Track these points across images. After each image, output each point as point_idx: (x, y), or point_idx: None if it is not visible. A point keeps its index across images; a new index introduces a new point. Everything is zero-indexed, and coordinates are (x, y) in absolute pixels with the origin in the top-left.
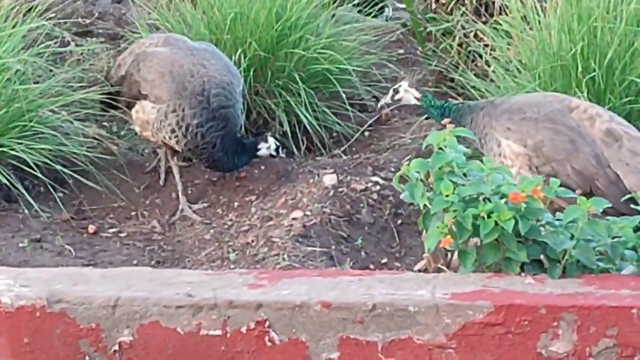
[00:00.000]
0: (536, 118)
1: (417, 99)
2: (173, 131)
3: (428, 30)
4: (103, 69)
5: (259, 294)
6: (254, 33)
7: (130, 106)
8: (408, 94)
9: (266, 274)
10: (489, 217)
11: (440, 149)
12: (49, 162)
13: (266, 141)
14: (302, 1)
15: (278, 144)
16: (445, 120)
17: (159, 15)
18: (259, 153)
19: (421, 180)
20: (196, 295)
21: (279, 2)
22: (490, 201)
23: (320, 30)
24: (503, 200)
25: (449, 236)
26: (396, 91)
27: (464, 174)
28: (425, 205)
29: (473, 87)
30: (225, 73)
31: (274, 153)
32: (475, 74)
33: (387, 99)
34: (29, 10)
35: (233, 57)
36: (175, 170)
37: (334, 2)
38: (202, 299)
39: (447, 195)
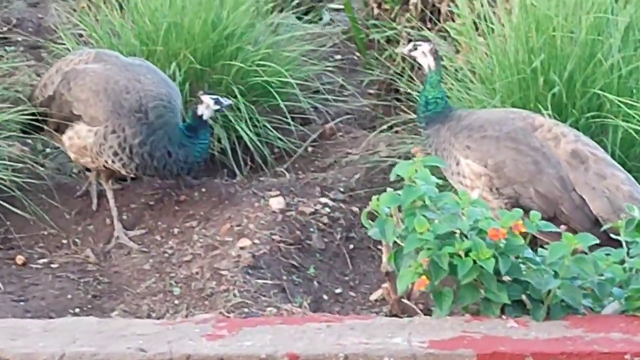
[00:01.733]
0: (497, 136)
1: (430, 68)
2: (116, 154)
3: (370, 37)
4: (25, 83)
5: (219, 346)
6: (189, 44)
7: (60, 129)
8: (425, 58)
9: (225, 322)
10: (466, 255)
11: (412, 181)
12: None
13: (201, 102)
14: (239, 10)
15: (215, 96)
16: (415, 149)
17: (85, 25)
18: (205, 117)
19: (391, 215)
20: (149, 350)
21: (214, 12)
22: (467, 238)
23: (258, 41)
24: (481, 237)
25: (423, 277)
26: (415, 47)
27: (438, 208)
28: (395, 242)
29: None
30: (162, 86)
31: (217, 107)
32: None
33: (405, 50)
34: None
35: (167, 70)
36: (109, 194)
37: (271, 12)
38: (157, 354)
39: (421, 233)
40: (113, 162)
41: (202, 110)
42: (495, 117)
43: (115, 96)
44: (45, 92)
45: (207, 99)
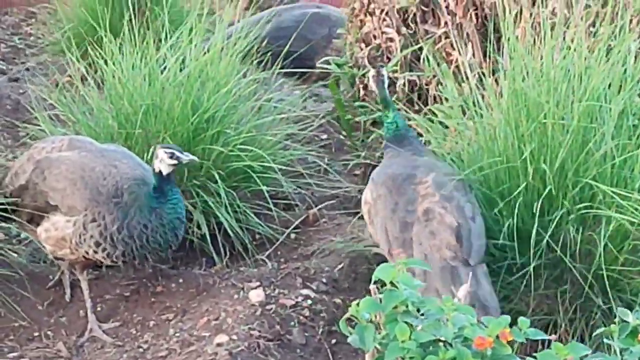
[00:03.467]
0: (387, 173)
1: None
2: (98, 244)
3: (357, 119)
4: (1, 165)
5: None
6: (168, 127)
7: (34, 220)
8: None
9: None
10: None
11: (393, 285)
12: None
13: (157, 157)
14: (221, 92)
15: (170, 150)
16: (397, 250)
17: (61, 106)
18: (164, 173)
19: (371, 321)
20: None
21: (195, 94)
22: (452, 346)
23: (240, 124)
24: (466, 345)
25: None
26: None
27: (421, 314)
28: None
29: None
30: (137, 168)
31: (173, 162)
32: None
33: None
34: None
35: (145, 154)
36: (83, 285)
37: (254, 94)
38: None
39: (402, 341)
40: (95, 252)
41: (157, 165)
42: (412, 161)
43: (92, 183)
44: (17, 181)
45: (161, 154)
